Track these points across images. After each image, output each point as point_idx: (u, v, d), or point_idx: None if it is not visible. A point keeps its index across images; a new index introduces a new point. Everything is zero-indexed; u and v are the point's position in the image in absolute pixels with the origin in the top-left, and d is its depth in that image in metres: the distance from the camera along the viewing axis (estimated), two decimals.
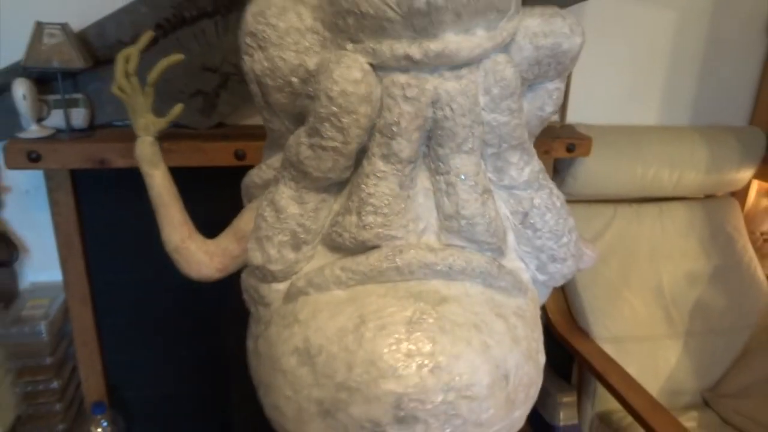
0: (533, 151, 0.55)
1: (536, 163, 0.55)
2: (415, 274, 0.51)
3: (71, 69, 0.98)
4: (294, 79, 0.50)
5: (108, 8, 1.05)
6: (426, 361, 0.48)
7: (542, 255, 0.58)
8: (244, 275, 0.63)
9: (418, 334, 0.48)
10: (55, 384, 1.12)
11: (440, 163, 0.51)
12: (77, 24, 1.03)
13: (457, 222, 0.52)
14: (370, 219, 0.51)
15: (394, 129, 0.49)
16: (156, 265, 1.18)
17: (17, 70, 1.03)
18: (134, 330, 1.24)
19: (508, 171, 0.54)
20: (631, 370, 1.20)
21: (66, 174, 1.08)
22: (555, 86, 0.55)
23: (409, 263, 0.51)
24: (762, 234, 1.55)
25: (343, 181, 0.54)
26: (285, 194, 0.54)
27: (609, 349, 1.28)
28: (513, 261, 0.58)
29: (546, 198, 0.56)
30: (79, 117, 1.05)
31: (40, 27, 0.96)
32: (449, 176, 0.51)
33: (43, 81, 1.03)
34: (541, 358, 0.58)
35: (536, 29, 0.50)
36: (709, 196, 1.49)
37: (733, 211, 1.49)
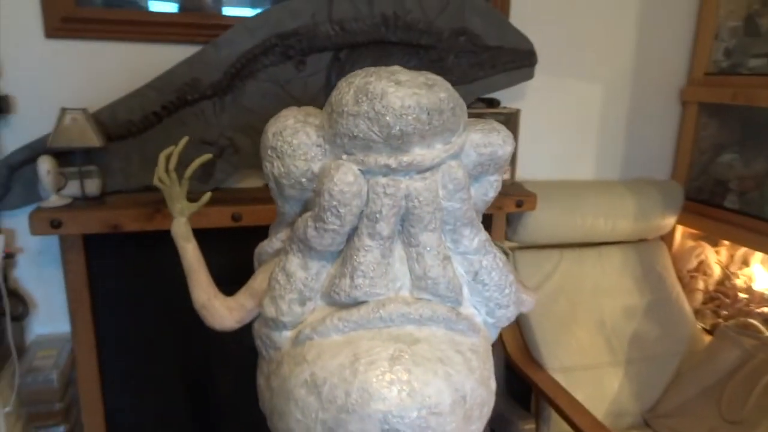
0: (480, 225, 0.74)
1: (483, 234, 0.74)
2: (394, 322, 0.68)
3: (90, 147, 1.13)
4: (303, 180, 0.68)
5: (119, 92, 1.22)
6: (404, 387, 0.65)
7: (490, 303, 0.75)
8: (256, 325, 0.79)
9: (398, 367, 0.65)
10: (62, 428, 1.22)
11: (412, 239, 0.69)
12: (90, 105, 1.19)
13: (425, 282, 0.70)
14: (360, 281, 0.68)
15: (378, 216, 0.66)
16: (157, 317, 1.33)
17: (37, 147, 1.18)
18: (135, 377, 1.36)
19: (462, 241, 0.72)
20: (580, 396, 1.37)
21: (78, 236, 1.21)
22: (495, 178, 0.74)
23: (390, 313, 0.68)
24: (688, 272, 1.79)
25: (338, 251, 0.71)
26: (294, 262, 0.71)
27: (560, 378, 1.46)
28: (468, 308, 0.76)
29: (491, 260, 0.74)
30: (92, 186, 1.19)
31: (64, 112, 1.11)
32: (419, 248, 0.69)
33: (61, 155, 1.18)
34: (492, 384, 0.75)
35: (478, 141, 0.70)
36: (641, 240, 1.72)
37: (662, 253, 1.72)
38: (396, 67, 0.67)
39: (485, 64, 1.37)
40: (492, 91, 1.42)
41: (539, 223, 1.53)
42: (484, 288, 0.74)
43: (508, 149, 0.71)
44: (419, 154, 0.65)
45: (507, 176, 1.52)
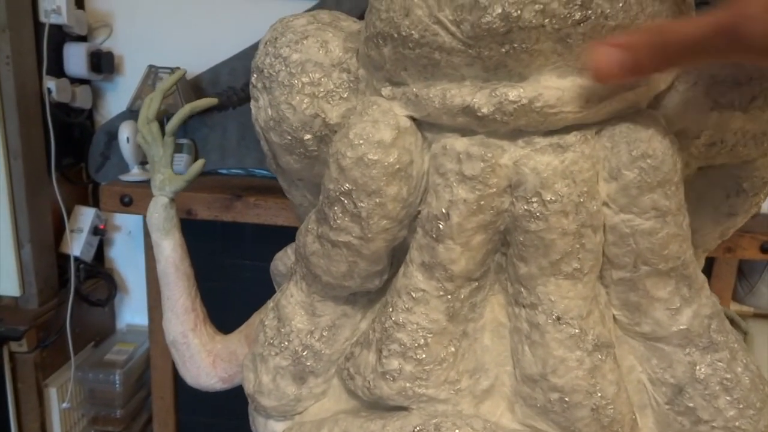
0: (702, 280, 0.32)
1: (705, 304, 0.32)
2: None
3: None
4: (307, 137, 0.34)
5: (224, 55, 1.02)
6: None
7: None
8: None
9: None
10: None
11: (522, 288, 0.30)
12: (195, 69, 1.01)
13: (543, 393, 0.30)
14: (395, 364, 0.31)
15: (442, 226, 0.29)
16: (241, 319, 1.10)
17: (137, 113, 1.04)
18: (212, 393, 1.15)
19: (651, 311, 0.31)
20: None
21: None
22: (755, 168, 0.31)
23: None
24: None
25: (375, 290, 0.36)
26: (293, 299, 0.37)
27: None
28: None
29: (722, 368, 0.31)
30: (181, 162, 1.01)
31: (151, 71, 0.94)
32: (535, 312, 0.30)
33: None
34: None
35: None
36: None
37: None
38: None
39: None
40: None
41: None
42: (696, 428, 0.32)
43: None
44: (553, 86, 0.27)
45: None
